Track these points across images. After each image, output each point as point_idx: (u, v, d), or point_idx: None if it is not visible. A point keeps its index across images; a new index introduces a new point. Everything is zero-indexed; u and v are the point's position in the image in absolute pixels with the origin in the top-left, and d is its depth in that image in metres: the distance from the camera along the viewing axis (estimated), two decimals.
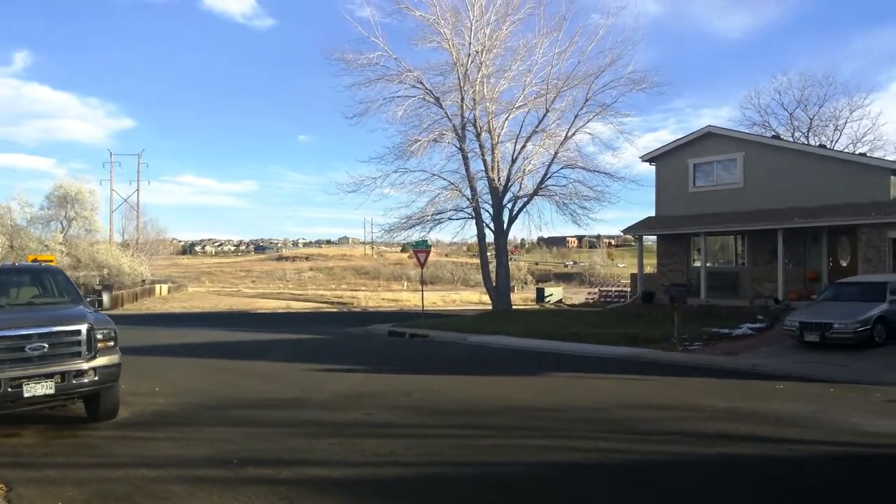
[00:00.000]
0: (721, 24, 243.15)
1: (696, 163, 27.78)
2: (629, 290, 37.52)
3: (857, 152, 37.43)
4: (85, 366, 8.53)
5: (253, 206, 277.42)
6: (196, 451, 7.74)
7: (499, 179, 31.81)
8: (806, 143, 40.12)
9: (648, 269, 33.11)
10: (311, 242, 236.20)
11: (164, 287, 62.37)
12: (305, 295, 63.93)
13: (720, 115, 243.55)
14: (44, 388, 8.24)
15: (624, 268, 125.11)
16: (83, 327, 8.62)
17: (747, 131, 35.25)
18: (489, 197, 32.39)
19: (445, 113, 31.38)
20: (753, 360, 14.45)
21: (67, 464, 7.34)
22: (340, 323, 29.56)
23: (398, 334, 22.81)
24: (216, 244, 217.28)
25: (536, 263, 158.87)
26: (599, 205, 31.45)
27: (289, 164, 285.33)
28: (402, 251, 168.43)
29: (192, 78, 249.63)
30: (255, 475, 6.85)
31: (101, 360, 8.68)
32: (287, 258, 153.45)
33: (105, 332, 8.82)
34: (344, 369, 14.20)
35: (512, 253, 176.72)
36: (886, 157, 33.97)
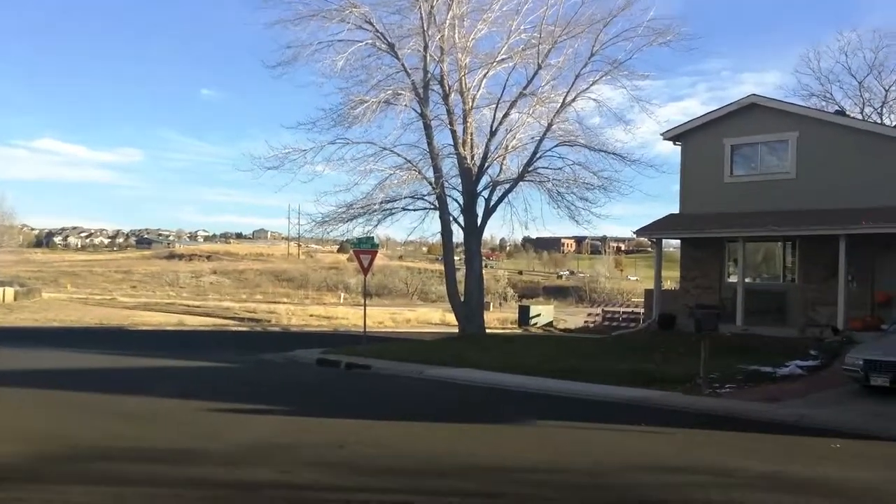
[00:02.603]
0: None
1: (736, 143, 28.21)
2: (642, 311, 37.82)
3: None
4: None
5: (136, 183, 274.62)
6: None
7: (472, 158, 31.90)
8: (880, 122, 41.00)
9: (668, 285, 33.54)
10: (215, 236, 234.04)
11: (10, 291, 61.15)
12: (206, 307, 63.07)
13: (767, 81, 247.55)
14: None
15: (636, 281, 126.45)
16: None
17: (803, 104, 35.92)
18: (459, 181, 32.45)
19: (402, 65, 31.38)
20: (802, 410, 14.66)
21: None
22: (252, 346, 29.24)
23: (331, 364, 22.67)
24: (83, 234, 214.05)
25: (520, 273, 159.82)
26: (606, 196, 31.82)
27: (187, 129, 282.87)
28: (340, 251, 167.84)
29: (57, 8, 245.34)
30: None
31: None
32: (181, 256, 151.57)
33: None
34: (254, 410, 14.04)
35: (488, 258, 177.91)
36: None
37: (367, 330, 29.48)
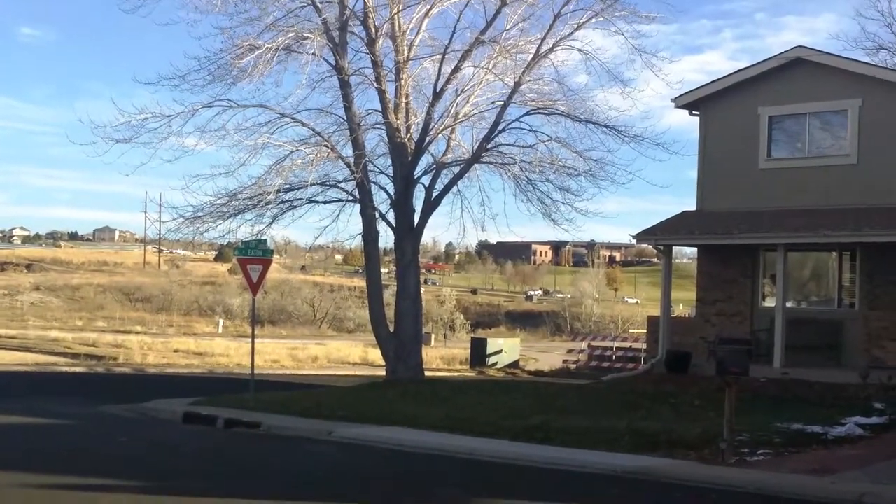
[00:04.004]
0: None
1: (776, 114, 28.54)
2: (644, 347, 38.08)
3: None
4: None
5: None
6: None
7: (408, 130, 31.86)
8: None
9: (681, 310, 33.87)
10: (38, 237, 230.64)
11: None
12: (24, 339, 62.27)
13: (817, 27, 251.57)
14: None
15: (637, 305, 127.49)
16: None
17: (868, 60, 36.43)
18: (388, 162, 32.39)
19: None
20: (864, 485, 14.81)
21: None
22: (91, 394, 28.91)
23: (203, 420, 22.52)
24: None
25: (474, 292, 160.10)
26: (595, 185, 31.96)
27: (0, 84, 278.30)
28: (218, 259, 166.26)
29: None
30: None
31: None
32: None
33: None
34: (92, 487, 13.86)
35: (428, 270, 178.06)
36: None
37: (256, 372, 29.23)
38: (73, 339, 61.62)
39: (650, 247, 30.65)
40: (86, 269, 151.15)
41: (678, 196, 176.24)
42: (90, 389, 31.55)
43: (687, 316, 55.35)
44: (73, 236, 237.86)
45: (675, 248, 30.62)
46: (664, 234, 29.37)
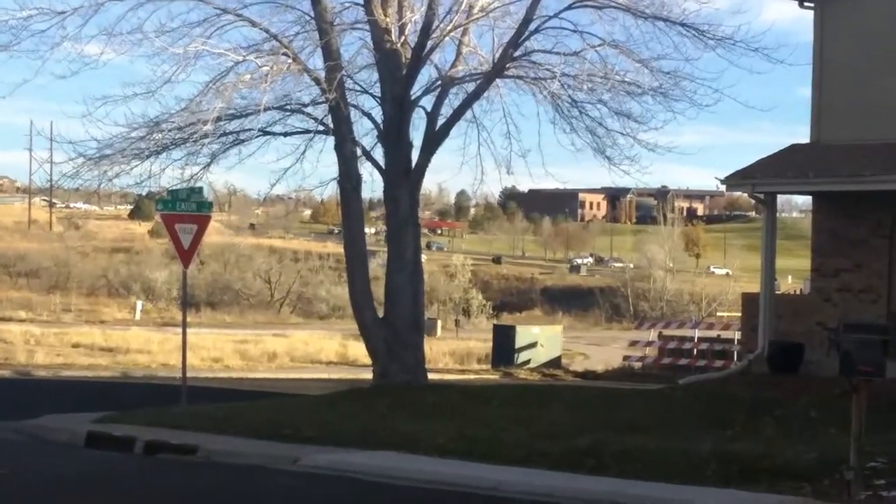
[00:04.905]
0: None
1: None
2: (738, 337, 38.15)
3: None
4: None
5: None
6: None
7: (402, 32, 31.82)
8: None
9: (789, 284, 33.76)
10: None
11: None
12: None
13: None
14: None
15: (727, 277, 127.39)
16: None
17: None
18: (375, 77, 32.39)
19: None
20: None
21: None
22: None
23: (115, 443, 22.61)
24: None
25: (497, 260, 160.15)
26: (667, 109, 31.79)
27: None
28: (134, 216, 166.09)
29: None
30: None
31: None
32: None
33: None
34: None
35: (434, 230, 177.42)
36: None
37: (189, 375, 29.37)
38: None
39: (745, 195, 30.58)
40: None
41: (784, 124, 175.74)
42: None
43: (798, 292, 55.56)
44: None
45: (781, 197, 30.61)
46: (765, 176, 29.30)
